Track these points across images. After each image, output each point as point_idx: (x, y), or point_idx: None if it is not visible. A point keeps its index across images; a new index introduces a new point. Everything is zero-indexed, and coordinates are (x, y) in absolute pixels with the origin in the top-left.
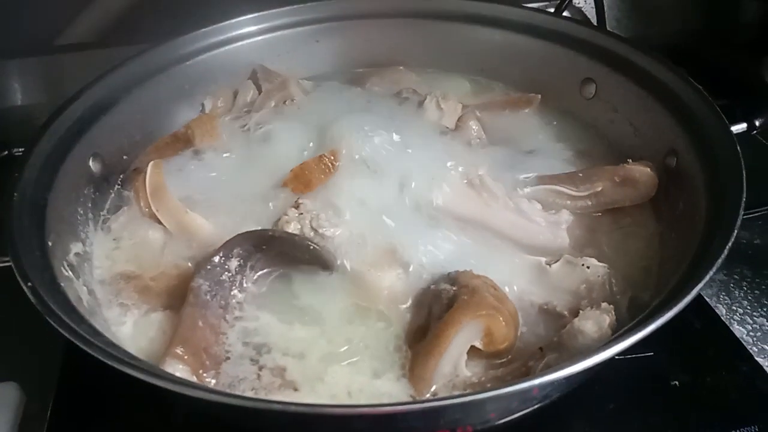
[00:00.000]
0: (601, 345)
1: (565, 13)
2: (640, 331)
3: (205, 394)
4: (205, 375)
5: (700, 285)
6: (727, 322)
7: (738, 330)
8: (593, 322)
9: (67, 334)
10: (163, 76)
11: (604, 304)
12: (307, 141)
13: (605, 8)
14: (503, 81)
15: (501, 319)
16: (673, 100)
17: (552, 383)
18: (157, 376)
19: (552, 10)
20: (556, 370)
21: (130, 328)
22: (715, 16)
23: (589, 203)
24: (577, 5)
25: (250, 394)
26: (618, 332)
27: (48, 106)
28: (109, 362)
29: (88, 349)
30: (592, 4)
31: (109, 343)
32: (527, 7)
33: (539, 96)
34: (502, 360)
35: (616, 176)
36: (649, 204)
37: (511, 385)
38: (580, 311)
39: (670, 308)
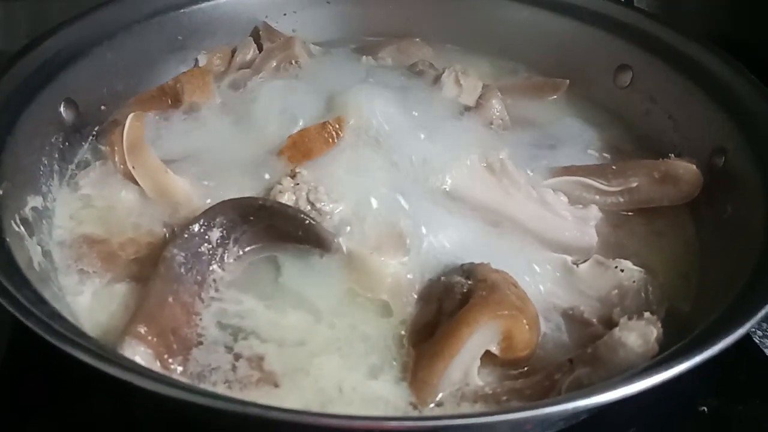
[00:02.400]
0: (647, 362)
1: None
2: (698, 354)
3: (165, 388)
4: (170, 361)
5: (763, 312)
6: (760, 345)
7: None
8: (638, 334)
9: (1, 300)
10: (154, 22)
11: (647, 315)
12: (309, 107)
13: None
14: (528, 63)
15: (524, 321)
16: (724, 93)
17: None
18: (110, 361)
19: None
20: (601, 390)
21: (89, 299)
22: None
23: (621, 200)
24: None
25: (223, 387)
26: (667, 350)
27: None
28: (50, 339)
29: (25, 320)
30: None
31: (54, 314)
32: None
33: (567, 81)
34: (520, 369)
35: (656, 172)
36: (686, 206)
37: (553, 404)
38: (615, 321)
39: (731, 333)
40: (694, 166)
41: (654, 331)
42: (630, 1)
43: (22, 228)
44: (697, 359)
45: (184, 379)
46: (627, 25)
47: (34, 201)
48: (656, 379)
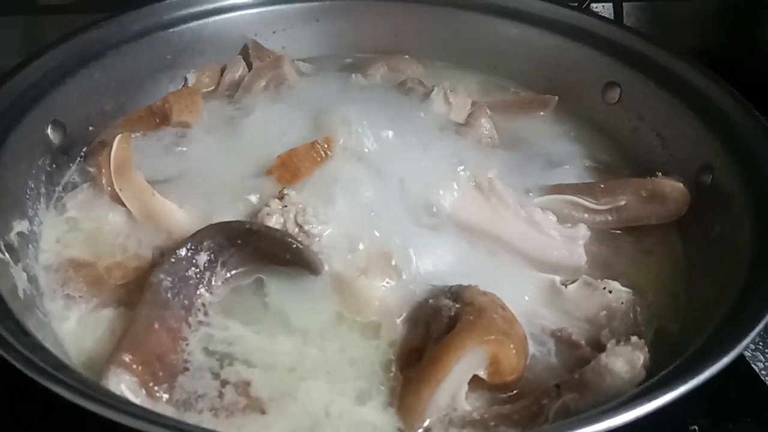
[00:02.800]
0: (635, 389)
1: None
2: (686, 381)
3: (147, 426)
4: (156, 388)
5: (754, 333)
6: (751, 363)
7: (766, 373)
8: (624, 360)
9: None
10: (143, 41)
11: (634, 339)
12: (297, 127)
13: (624, 16)
14: (517, 79)
15: (511, 346)
16: (711, 110)
17: None
18: (89, 396)
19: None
20: (589, 421)
21: (74, 325)
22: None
23: (609, 218)
24: (595, 10)
25: (209, 415)
26: (655, 377)
27: None
28: (29, 373)
29: (4, 353)
30: (611, 11)
31: (35, 346)
32: (548, 0)
33: (556, 98)
34: (508, 394)
35: (643, 190)
36: (674, 224)
37: None
38: (603, 343)
39: (719, 359)
40: (681, 185)
41: (641, 357)
42: (619, 18)
43: (6, 255)
44: (685, 387)
45: (169, 408)
46: (615, 42)
47: (20, 226)
48: (645, 409)
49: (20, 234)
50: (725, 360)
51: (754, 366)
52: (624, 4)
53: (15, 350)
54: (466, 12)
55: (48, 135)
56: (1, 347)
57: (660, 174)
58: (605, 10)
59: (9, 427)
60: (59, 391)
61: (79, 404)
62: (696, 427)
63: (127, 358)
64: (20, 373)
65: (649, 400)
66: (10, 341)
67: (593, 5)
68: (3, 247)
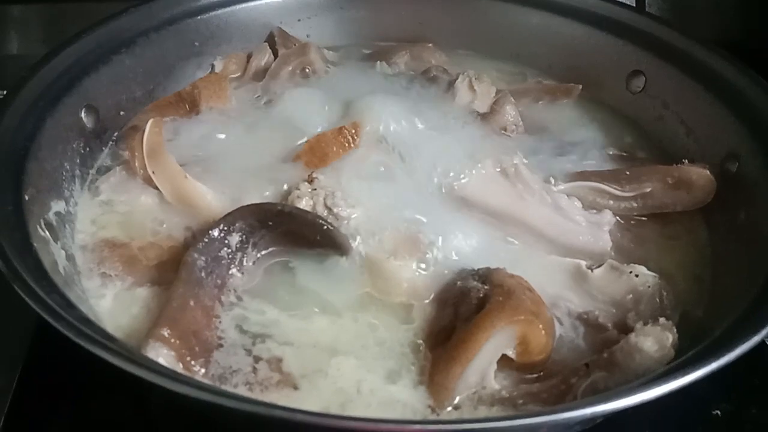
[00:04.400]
0: (664, 367)
1: None
2: (714, 360)
3: (196, 391)
4: (192, 363)
5: None
6: None
7: None
8: (654, 339)
9: (33, 304)
10: (171, 29)
11: (662, 320)
12: (324, 113)
13: (645, 3)
14: (539, 68)
15: (540, 326)
16: (737, 98)
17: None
18: (137, 363)
19: None
20: (620, 395)
21: (110, 302)
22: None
23: (635, 205)
24: None
25: (244, 389)
26: (683, 356)
27: None
28: (80, 342)
29: (56, 323)
30: (633, 1)
31: (82, 318)
32: None
33: (579, 86)
34: (536, 373)
35: (669, 177)
36: (699, 211)
37: (574, 409)
38: (630, 326)
39: (748, 338)
40: (708, 172)
41: (670, 337)
42: (642, 5)
43: (47, 233)
44: (715, 365)
45: (206, 381)
46: (639, 30)
47: (58, 206)
48: (674, 385)
49: (58, 213)
50: (756, 339)
51: None
52: None
53: (66, 321)
54: (488, 0)
55: (82, 119)
56: (52, 318)
57: (686, 161)
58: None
59: (48, 394)
60: (113, 360)
61: (132, 372)
62: (718, 412)
63: (165, 332)
64: (58, 342)
65: (679, 377)
66: (60, 312)
67: None
68: (44, 225)
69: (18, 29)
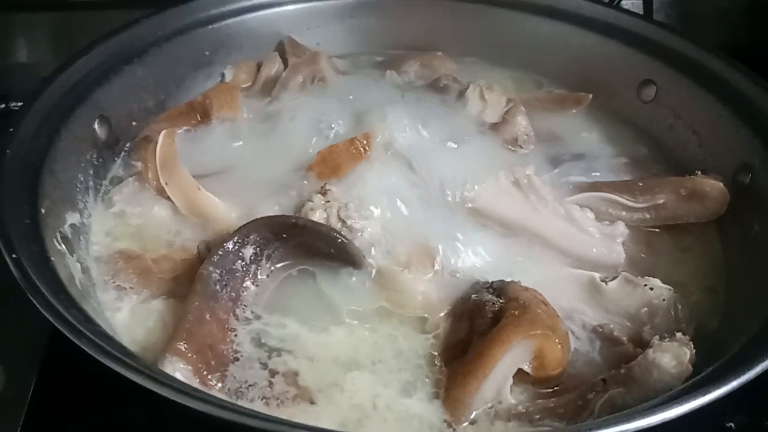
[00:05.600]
0: (684, 383)
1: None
2: (734, 378)
3: (218, 410)
4: (209, 377)
5: None
6: None
7: None
8: (672, 355)
9: (53, 320)
10: (182, 39)
11: (679, 335)
12: (336, 123)
13: (653, 12)
14: (550, 77)
15: (556, 340)
16: (749, 109)
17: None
18: (158, 381)
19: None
20: (643, 414)
21: (126, 315)
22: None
23: (648, 216)
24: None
25: (260, 404)
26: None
27: (55, 65)
28: (102, 359)
29: (77, 340)
30: (640, 7)
31: (101, 334)
32: None
33: (590, 96)
34: (552, 388)
35: (683, 188)
36: (712, 223)
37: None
38: (645, 339)
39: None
40: (721, 184)
41: (687, 353)
42: (649, 12)
43: (63, 246)
44: (735, 383)
45: (223, 396)
46: (651, 39)
47: (72, 218)
48: (696, 403)
49: (72, 226)
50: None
51: None
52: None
53: (86, 337)
54: (498, 9)
55: (95, 130)
56: (72, 334)
57: (699, 173)
58: (634, 6)
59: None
60: (133, 376)
61: (158, 392)
62: (732, 424)
63: (182, 346)
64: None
65: (700, 395)
66: (79, 328)
67: (623, 2)
68: (60, 239)
69: (26, 37)
